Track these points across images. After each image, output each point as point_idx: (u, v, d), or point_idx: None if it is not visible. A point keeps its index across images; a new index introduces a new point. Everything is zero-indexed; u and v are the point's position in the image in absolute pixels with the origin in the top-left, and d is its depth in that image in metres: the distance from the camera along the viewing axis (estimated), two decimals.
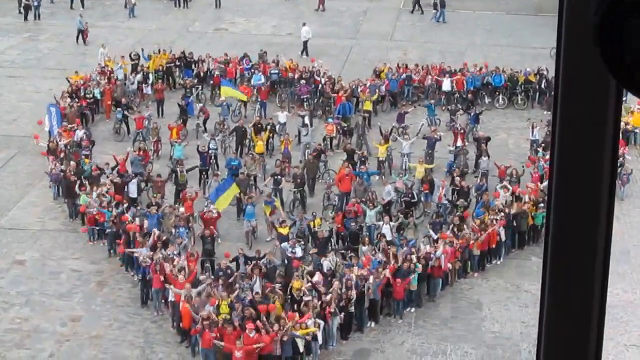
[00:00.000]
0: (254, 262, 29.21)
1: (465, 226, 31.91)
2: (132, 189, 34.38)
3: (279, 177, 35.07)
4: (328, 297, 27.39)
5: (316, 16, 60.12)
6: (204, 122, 40.83)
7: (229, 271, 28.88)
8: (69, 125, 38.81)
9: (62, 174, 34.73)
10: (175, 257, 29.09)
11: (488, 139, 38.07)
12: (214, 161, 37.26)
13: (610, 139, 2.09)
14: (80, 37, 53.04)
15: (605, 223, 2.18)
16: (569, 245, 2.20)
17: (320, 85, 43.71)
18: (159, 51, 47.31)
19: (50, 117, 39.30)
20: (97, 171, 34.86)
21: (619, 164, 36.17)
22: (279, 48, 50.94)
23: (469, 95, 43.83)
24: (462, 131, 39.21)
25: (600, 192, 2.13)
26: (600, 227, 2.17)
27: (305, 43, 52.36)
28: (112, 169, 35.01)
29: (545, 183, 32.95)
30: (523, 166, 36.28)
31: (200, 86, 44.45)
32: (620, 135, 39.31)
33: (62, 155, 36.31)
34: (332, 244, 31.61)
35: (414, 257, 29.41)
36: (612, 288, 29.36)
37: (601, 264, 2.22)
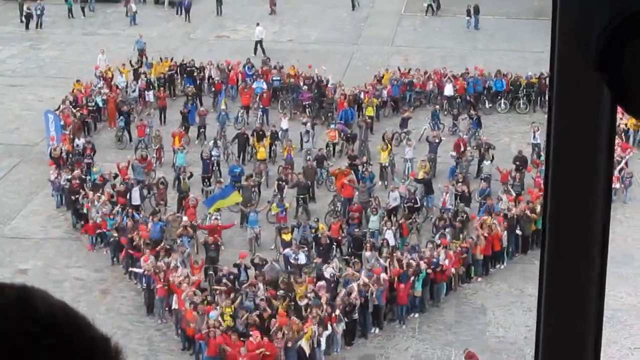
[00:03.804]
0: (257, 269, 29.24)
1: (467, 231, 31.97)
2: (135, 196, 34.37)
3: (283, 183, 35.10)
4: (336, 302, 27.43)
5: (318, 21, 60.21)
6: (202, 128, 40.86)
7: (231, 277, 28.87)
8: (70, 135, 38.78)
9: (66, 183, 34.76)
10: (178, 266, 29.13)
11: (490, 146, 37.97)
12: (217, 168, 37.26)
13: (606, 141, 2.08)
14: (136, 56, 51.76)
15: (602, 227, 2.17)
16: (565, 252, 2.19)
17: (324, 91, 43.71)
18: (161, 59, 47.34)
19: (48, 123, 39.25)
20: (102, 180, 34.93)
21: (620, 167, 36.10)
22: (280, 54, 50.97)
23: (471, 100, 43.85)
24: (464, 136, 39.28)
25: (596, 195, 2.12)
26: (597, 230, 2.16)
27: (257, 43, 53.13)
28: (114, 177, 35.07)
29: None
30: (523, 170, 36.26)
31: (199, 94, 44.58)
32: (624, 137, 39.31)
33: (64, 164, 36.38)
34: (334, 251, 31.53)
35: (422, 263, 29.36)
36: (616, 291, 29.35)
37: (598, 268, 2.21)
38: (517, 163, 36.73)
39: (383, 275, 28.62)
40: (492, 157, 37.20)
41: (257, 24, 54.12)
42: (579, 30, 1.57)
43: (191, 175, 35.67)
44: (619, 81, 1.52)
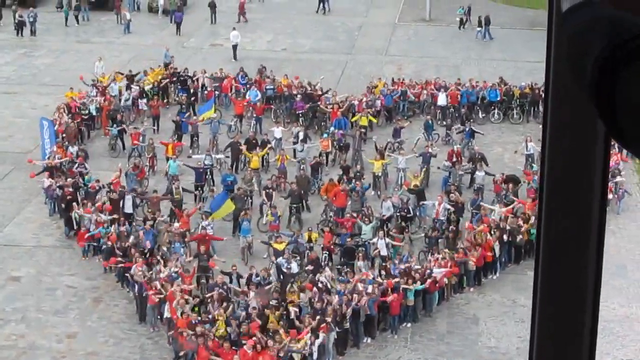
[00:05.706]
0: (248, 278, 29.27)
1: (459, 242, 32.01)
2: (128, 205, 34.32)
3: (270, 190, 35.11)
4: (327, 312, 27.41)
5: (313, 30, 60.19)
6: (195, 137, 40.80)
7: (224, 287, 28.84)
8: (65, 143, 38.69)
9: (60, 190, 34.70)
10: (171, 275, 29.10)
11: (483, 157, 37.93)
12: (210, 177, 37.22)
13: (602, 158, 2.08)
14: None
15: (597, 241, 2.17)
16: (560, 263, 2.19)
17: (318, 101, 43.66)
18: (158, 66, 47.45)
19: (43, 131, 39.19)
20: (95, 188, 34.87)
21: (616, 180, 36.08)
22: (274, 63, 50.96)
23: (464, 110, 43.84)
24: (457, 146, 39.28)
25: (591, 209, 2.12)
26: (592, 241, 2.17)
27: (234, 47, 53.54)
28: (103, 186, 34.99)
29: None
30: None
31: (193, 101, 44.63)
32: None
33: (58, 172, 36.31)
34: (324, 260, 31.51)
35: (416, 275, 29.39)
36: (609, 302, 29.36)
37: (593, 279, 2.21)
38: (510, 183, 36.25)
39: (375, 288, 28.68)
40: (484, 168, 37.12)
41: (233, 29, 54.43)
42: (573, 62, 1.57)
43: (183, 190, 35.40)
44: (610, 114, 1.51)
